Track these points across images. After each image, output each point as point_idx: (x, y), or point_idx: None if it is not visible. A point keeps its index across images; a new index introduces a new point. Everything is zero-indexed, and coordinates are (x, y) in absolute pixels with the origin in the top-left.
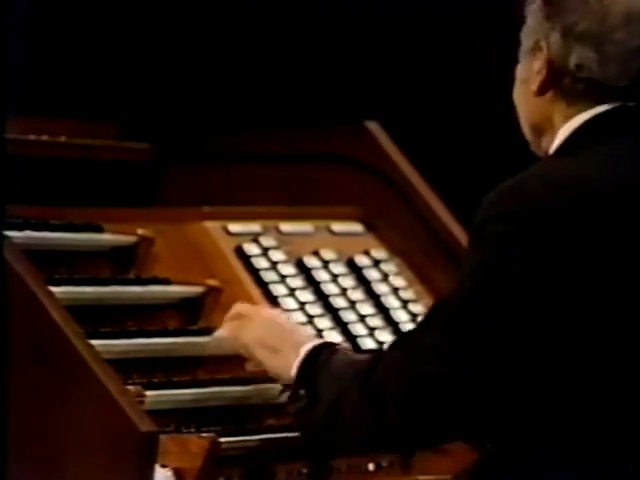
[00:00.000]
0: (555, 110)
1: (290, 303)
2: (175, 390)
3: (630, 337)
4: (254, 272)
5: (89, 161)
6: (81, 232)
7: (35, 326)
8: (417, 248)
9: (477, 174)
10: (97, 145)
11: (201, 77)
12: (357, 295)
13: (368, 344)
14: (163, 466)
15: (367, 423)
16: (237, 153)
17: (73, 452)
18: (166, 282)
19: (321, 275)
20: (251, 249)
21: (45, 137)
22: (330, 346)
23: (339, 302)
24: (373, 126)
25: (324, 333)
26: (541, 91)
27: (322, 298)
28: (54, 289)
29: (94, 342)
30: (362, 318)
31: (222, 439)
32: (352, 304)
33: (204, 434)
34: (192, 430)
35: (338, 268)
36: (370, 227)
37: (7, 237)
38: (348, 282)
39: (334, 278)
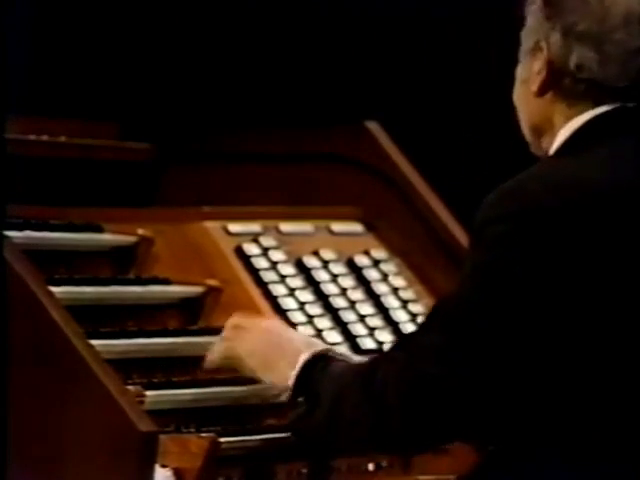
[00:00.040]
0: (555, 111)
1: (290, 303)
2: (175, 390)
3: (630, 337)
4: (254, 272)
5: (89, 161)
6: (81, 232)
7: (35, 326)
8: (417, 248)
9: (477, 174)
10: (97, 145)
11: (201, 77)
12: (357, 295)
13: (368, 344)
14: (163, 466)
15: (368, 424)
16: (237, 153)
17: (73, 452)
18: (166, 282)
19: (321, 275)
20: (251, 249)
21: (45, 137)
22: (328, 354)
23: (339, 302)
24: (373, 126)
25: (324, 333)
26: (541, 92)
27: (322, 298)
28: (54, 289)
29: (94, 342)
30: (362, 318)
31: (222, 439)
32: (352, 304)
33: (204, 434)
34: (192, 430)
35: (338, 268)
36: (370, 227)
37: (7, 237)
38: (348, 282)
39: (334, 278)
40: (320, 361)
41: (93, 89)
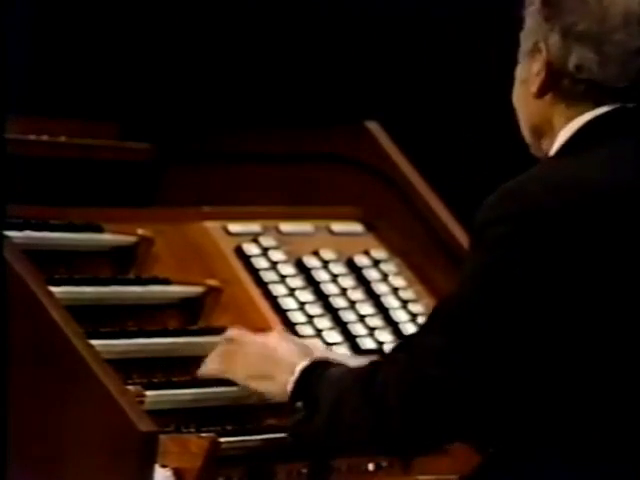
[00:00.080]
0: (555, 112)
1: (290, 303)
2: (175, 390)
3: (630, 338)
4: (254, 272)
5: (89, 161)
6: (81, 232)
7: (35, 326)
8: (417, 248)
9: (477, 174)
10: (97, 145)
11: (201, 77)
12: (357, 295)
13: (368, 344)
14: (163, 466)
15: (368, 425)
16: (237, 153)
17: (73, 452)
18: (166, 282)
19: (321, 275)
20: (251, 249)
21: (45, 137)
22: (326, 360)
23: (339, 302)
24: (373, 126)
25: (324, 333)
26: (541, 93)
27: (322, 298)
28: (54, 289)
29: (94, 342)
30: (362, 318)
31: (222, 439)
32: (352, 304)
33: (204, 434)
34: (192, 430)
35: (338, 268)
36: (370, 227)
37: (7, 237)
38: (348, 282)
39: (334, 278)
40: (319, 367)
41: (93, 89)
